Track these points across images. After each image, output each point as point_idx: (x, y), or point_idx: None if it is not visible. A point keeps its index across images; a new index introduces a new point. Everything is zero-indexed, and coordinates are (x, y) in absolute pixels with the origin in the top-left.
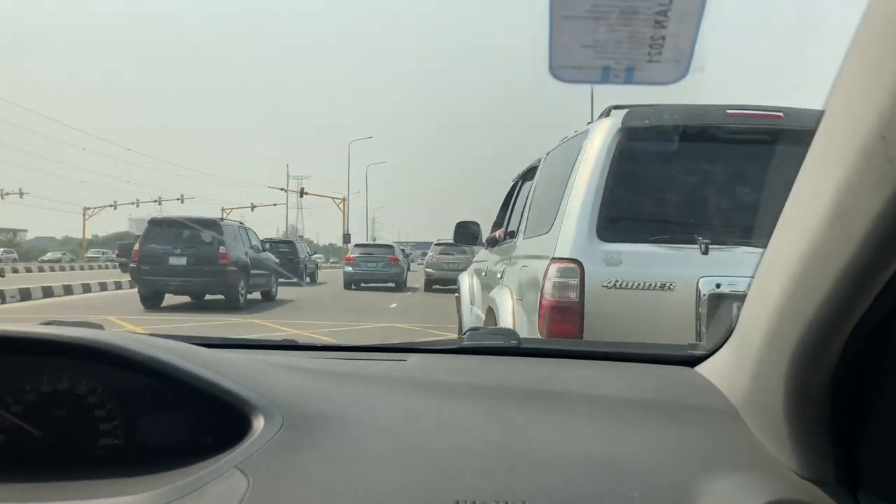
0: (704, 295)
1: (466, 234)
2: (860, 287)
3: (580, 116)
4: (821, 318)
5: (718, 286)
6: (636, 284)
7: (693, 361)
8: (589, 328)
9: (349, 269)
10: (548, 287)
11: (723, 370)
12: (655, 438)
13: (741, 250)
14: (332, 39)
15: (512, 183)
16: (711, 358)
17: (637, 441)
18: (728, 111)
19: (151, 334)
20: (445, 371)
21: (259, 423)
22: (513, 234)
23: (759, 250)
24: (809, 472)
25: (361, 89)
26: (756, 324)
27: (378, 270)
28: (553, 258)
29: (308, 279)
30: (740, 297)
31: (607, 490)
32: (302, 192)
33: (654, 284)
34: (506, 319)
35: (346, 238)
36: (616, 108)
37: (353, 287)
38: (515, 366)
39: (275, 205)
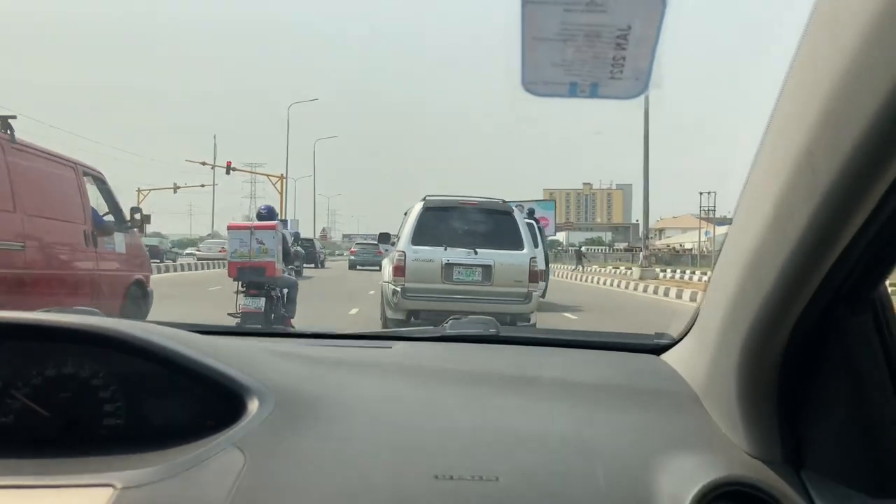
0: (443, 263)
1: (386, 238)
2: (799, 282)
3: (546, 127)
4: (767, 309)
5: (449, 260)
6: (422, 259)
7: (659, 350)
8: (407, 273)
9: (352, 257)
10: (395, 260)
11: (685, 358)
12: (621, 421)
13: (465, 251)
14: (310, 51)
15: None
16: (676, 347)
17: (605, 423)
18: (460, 200)
19: (151, 321)
20: (429, 358)
21: (254, 404)
22: (395, 242)
23: (476, 250)
24: (759, 452)
25: (331, 97)
26: (713, 315)
27: (369, 259)
28: (398, 250)
29: (322, 265)
30: (462, 265)
31: (575, 467)
32: (228, 168)
33: (428, 258)
34: (386, 272)
35: (284, 225)
36: (426, 197)
37: (356, 268)
38: (494, 353)
39: (202, 185)
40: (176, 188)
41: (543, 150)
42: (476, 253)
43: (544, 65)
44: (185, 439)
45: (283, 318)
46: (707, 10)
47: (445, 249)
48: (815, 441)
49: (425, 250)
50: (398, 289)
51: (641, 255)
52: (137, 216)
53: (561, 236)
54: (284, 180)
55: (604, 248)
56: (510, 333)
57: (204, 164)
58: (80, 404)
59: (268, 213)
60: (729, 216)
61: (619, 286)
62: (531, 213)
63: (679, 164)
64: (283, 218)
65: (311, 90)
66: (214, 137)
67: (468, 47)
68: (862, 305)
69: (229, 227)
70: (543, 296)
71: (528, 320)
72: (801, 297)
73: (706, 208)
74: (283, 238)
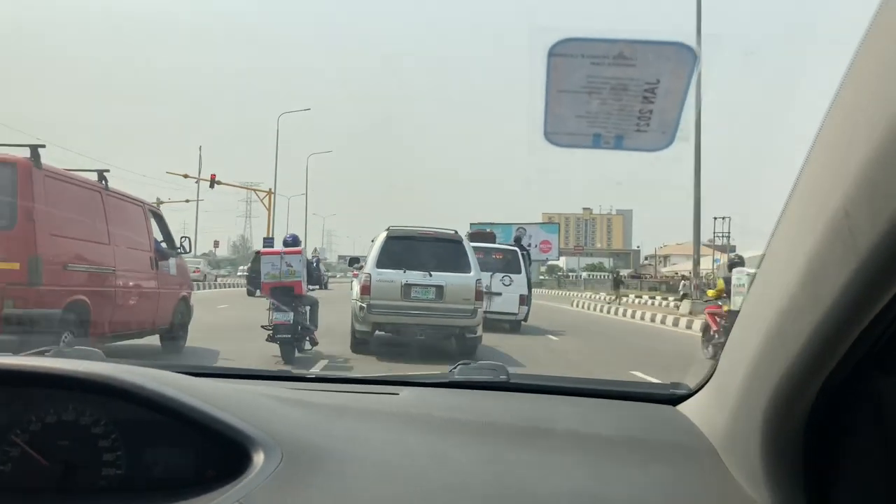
0: (402, 283)
1: (355, 261)
2: (830, 344)
3: (565, 177)
4: (795, 369)
5: (407, 281)
6: (385, 280)
7: (675, 400)
8: (372, 292)
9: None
10: (362, 280)
11: (704, 410)
12: (638, 476)
13: (422, 273)
14: (333, 102)
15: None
16: (693, 398)
17: (621, 479)
18: (419, 230)
19: (152, 365)
20: (437, 406)
21: (259, 457)
22: (362, 266)
23: (431, 273)
24: None
25: (345, 129)
26: (736, 369)
27: None
28: (365, 272)
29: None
30: (419, 285)
31: None
32: (213, 181)
33: (390, 280)
34: (355, 290)
35: (268, 242)
36: (389, 227)
37: None
38: (505, 401)
39: (187, 201)
40: (159, 203)
41: (543, 174)
42: (431, 275)
43: (568, 116)
44: (187, 492)
45: (309, 329)
46: (737, 63)
47: (405, 272)
48: (842, 502)
49: (388, 272)
50: (364, 305)
51: (688, 284)
52: (186, 243)
53: (561, 261)
54: (273, 196)
55: (606, 274)
56: (521, 381)
57: (186, 176)
58: (80, 453)
59: (293, 241)
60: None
61: (677, 325)
62: (518, 241)
63: (683, 190)
64: (270, 236)
65: (328, 124)
66: (200, 149)
67: (490, 90)
68: (894, 366)
69: (262, 253)
70: (526, 319)
71: (475, 332)
72: (832, 358)
73: (721, 234)
74: (308, 262)
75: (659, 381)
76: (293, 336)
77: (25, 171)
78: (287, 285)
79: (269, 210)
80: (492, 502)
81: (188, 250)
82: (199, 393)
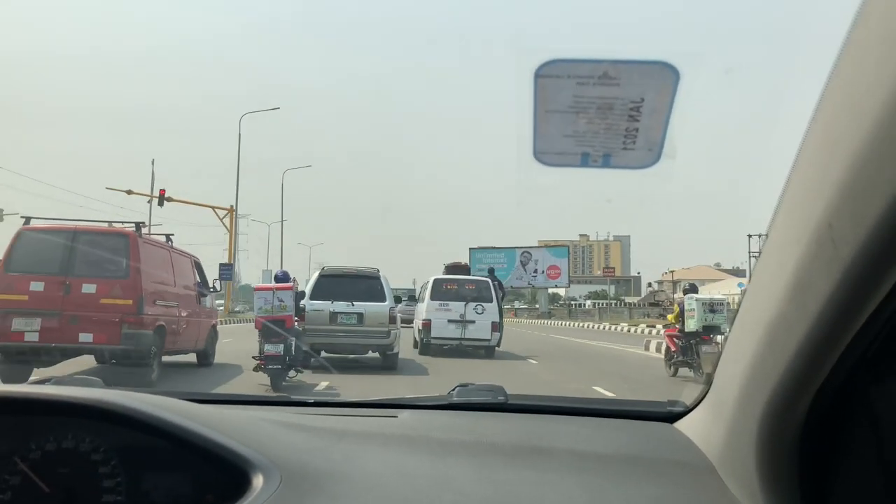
0: (330, 311)
1: (302, 296)
2: (821, 353)
3: (558, 203)
4: (787, 380)
5: (334, 310)
6: (317, 309)
7: (672, 418)
8: (307, 319)
9: None
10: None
11: (700, 427)
12: (636, 494)
13: (346, 303)
14: (328, 118)
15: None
16: (689, 415)
17: (620, 498)
18: (345, 269)
19: (150, 391)
20: (436, 428)
21: (258, 481)
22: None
23: (353, 303)
24: None
25: (333, 154)
26: (730, 384)
27: None
28: (302, 304)
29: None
30: (343, 312)
31: None
32: (162, 197)
33: (320, 308)
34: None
35: (225, 272)
36: (322, 267)
37: None
38: (504, 422)
39: (142, 224)
40: (111, 224)
41: (537, 201)
42: (353, 304)
43: (556, 136)
44: None
45: (297, 360)
46: (719, 80)
47: (332, 302)
48: None
49: (318, 303)
50: (302, 329)
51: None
52: (217, 284)
53: (559, 291)
54: (234, 214)
55: (612, 302)
56: (519, 402)
57: (130, 192)
58: (80, 480)
59: (283, 277)
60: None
61: None
62: (491, 272)
63: (689, 217)
64: (231, 262)
65: (318, 151)
66: (153, 163)
67: (479, 113)
68: (887, 373)
69: (256, 289)
70: (498, 345)
71: (393, 350)
72: (823, 368)
73: (755, 254)
74: (296, 295)
75: (656, 400)
76: (283, 367)
77: (134, 239)
78: (279, 319)
79: (230, 231)
80: None
81: (218, 290)
82: (198, 418)
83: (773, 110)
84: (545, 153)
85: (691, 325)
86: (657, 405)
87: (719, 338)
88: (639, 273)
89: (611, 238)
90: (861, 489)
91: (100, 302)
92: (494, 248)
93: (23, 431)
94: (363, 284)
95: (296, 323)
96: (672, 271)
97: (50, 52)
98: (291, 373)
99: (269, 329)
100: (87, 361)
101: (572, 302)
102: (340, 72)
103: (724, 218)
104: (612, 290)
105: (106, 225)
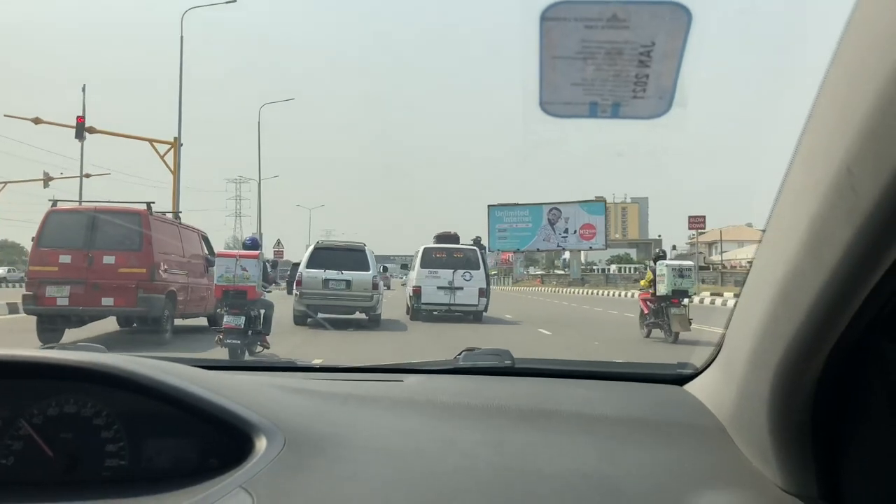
0: (322, 278)
1: (296, 266)
2: (836, 309)
3: (562, 148)
4: (801, 338)
5: (326, 277)
6: (311, 276)
7: (682, 380)
8: (303, 284)
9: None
10: (297, 277)
11: (710, 389)
12: (647, 457)
13: (337, 271)
14: (319, 73)
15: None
16: (700, 377)
17: (629, 459)
18: (336, 243)
19: (154, 356)
20: (442, 392)
21: (262, 443)
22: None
23: (342, 271)
24: (793, 487)
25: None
26: (741, 344)
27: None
28: (299, 272)
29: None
30: (333, 279)
31: None
32: (81, 127)
33: (314, 276)
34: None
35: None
36: (318, 241)
37: None
38: (510, 385)
39: (88, 175)
40: (49, 180)
41: (550, 162)
42: (342, 273)
43: (563, 84)
44: (191, 480)
45: (260, 333)
46: (734, 22)
47: (325, 271)
48: (854, 475)
49: (314, 271)
50: (298, 293)
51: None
52: None
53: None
54: (177, 147)
55: (634, 266)
56: (525, 365)
57: (38, 121)
58: (83, 444)
59: (252, 244)
60: None
61: None
62: (477, 241)
63: (710, 174)
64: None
65: (315, 108)
66: (84, 89)
67: (483, 64)
68: None
69: (218, 255)
70: (486, 310)
71: (376, 311)
72: (838, 325)
73: None
74: (264, 265)
75: (665, 363)
76: (242, 341)
77: (145, 216)
78: (240, 289)
79: (174, 173)
80: (498, 484)
81: None
82: (201, 382)
83: (797, 51)
84: (552, 103)
85: (661, 289)
86: (667, 367)
87: (686, 300)
88: (659, 236)
89: (628, 200)
90: (874, 450)
91: (118, 271)
92: (517, 204)
93: (25, 396)
94: (351, 256)
95: (265, 293)
96: (702, 232)
97: None
98: (258, 349)
99: (230, 299)
100: (112, 325)
101: (594, 267)
102: (333, 22)
103: (745, 174)
104: (634, 254)
105: (121, 205)
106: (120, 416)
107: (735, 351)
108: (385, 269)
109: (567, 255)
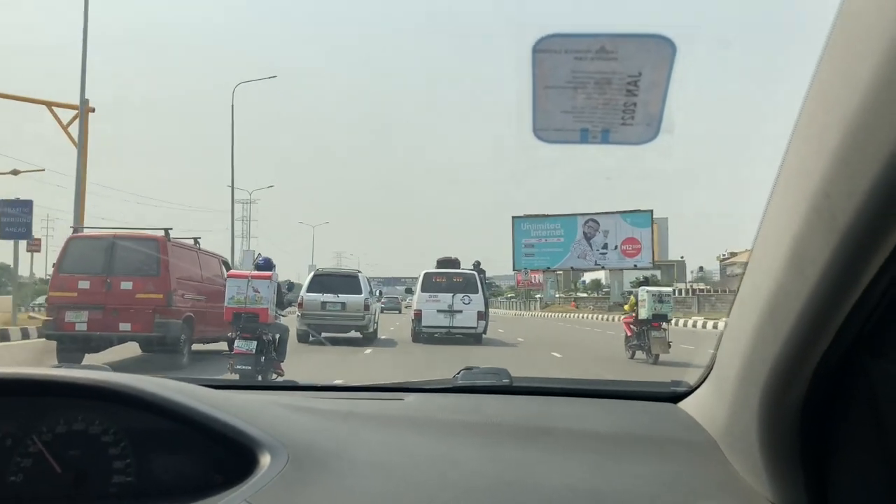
0: (320, 301)
1: (298, 288)
2: (819, 326)
3: (559, 170)
4: (787, 355)
5: (324, 300)
6: (311, 300)
7: (676, 398)
8: (304, 307)
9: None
10: (298, 300)
11: (703, 406)
12: (642, 472)
13: (334, 295)
14: (320, 98)
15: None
16: (693, 394)
17: (624, 475)
18: (333, 270)
19: (160, 376)
20: (441, 409)
21: (266, 459)
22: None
23: (338, 294)
24: (784, 501)
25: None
26: (731, 362)
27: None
28: (300, 296)
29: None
30: (330, 302)
31: None
32: None
33: (314, 299)
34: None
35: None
36: (317, 268)
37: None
38: (508, 403)
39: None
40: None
41: (542, 179)
42: (338, 296)
43: (554, 112)
44: (196, 496)
45: (273, 360)
46: (716, 56)
47: (323, 294)
48: (842, 488)
49: (313, 295)
50: (299, 314)
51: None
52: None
53: (600, 276)
54: (86, 113)
55: (680, 289)
56: (523, 383)
57: None
58: (90, 461)
59: (265, 264)
60: None
61: None
62: (476, 266)
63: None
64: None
65: (322, 126)
66: None
67: (477, 92)
68: (884, 349)
69: (229, 276)
70: (485, 332)
71: (368, 329)
72: (822, 341)
73: None
74: (278, 286)
75: (660, 381)
76: (254, 368)
77: (163, 243)
78: (251, 312)
79: (82, 152)
80: (496, 500)
81: None
82: (206, 400)
83: (775, 83)
84: (544, 129)
85: (643, 313)
86: (661, 385)
87: (665, 324)
88: (682, 257)
89: None
90: (860, 463)
91: (136, 296)
92: (547, 216)
93: (34, 414)
94: (346, 282)
95: (279, 317)
96: (733, 253)
97: None
98: (271, 375)
99: (241, 323)
100: (132, 350)
101: (631, 292)
102: (332, 48)
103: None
104: (659, 276)
105: (140, 231)
106: (127, 434)
107: (726, 369)
108: (380, 293)
109: (586, 275)
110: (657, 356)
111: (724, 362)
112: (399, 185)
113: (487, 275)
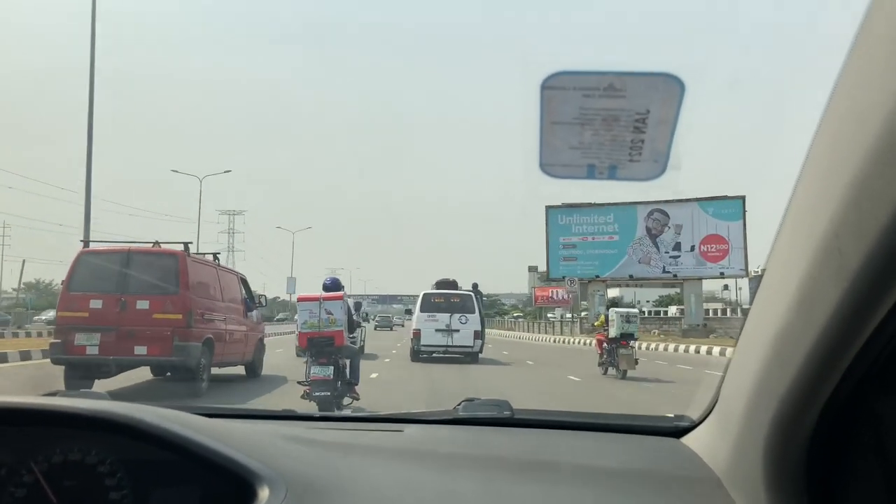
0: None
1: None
2: (827, 366)
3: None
4: (794, 394)
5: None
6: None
7: (679, 433)
8: (420, 336)
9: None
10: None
11: (707, 442)
12: None
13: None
14: (329, 128)
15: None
16: (696, 430)
17: None
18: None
19: (157, 404)
20: (442, 442)
21: (265, 492)
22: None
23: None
24: None
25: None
26: (736, 398)
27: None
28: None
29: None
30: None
31: None
32: None
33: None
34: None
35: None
36: (300, 295)
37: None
38: (509, 436)
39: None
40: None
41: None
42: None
43: (562, 148)
44: None
45: (350, 385)
46: (724, 92)
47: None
48: None
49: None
50: (297, 333)
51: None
52: (262, 300)
53: (619, 292)
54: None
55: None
56: (525, 416)
57: None
58: (86, 492)
59: (332, 284)
60: None
61: None
62: (474, 287)
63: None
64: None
65: (329, 159)
66: None
67: (484, 124)
68: (894, 386)
69: (299, 299)
70: (481, 351)
71: (356, 343)
72: (830, 380)
73: None
74: (348, 308)
75: (663, 415)
76: (333, 393)
77: (182, 258)
78: (327, 336)
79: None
80: None
81: (265, 304)
82: (204, 430)
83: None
84: (551, 165)
85: (612, 332)
86: (663, 420)
87: (633, 342)
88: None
89: None
90: (867, 501)
91: (152, 317)
92: (593, 205)
93: (30, 443)
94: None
95: (352, 339)
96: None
97: None
98: (346, 400)
99: (317, 348)
100: (145, 374)
101: (631, 308)
102: (341, 82)
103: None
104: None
105: (157, 246)
106: (123, 464)
107: (730, 405)
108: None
109: (574, 293)
110: (625, 372)
111: (728, 398)
112: (400, 205)
113: (493, 293)
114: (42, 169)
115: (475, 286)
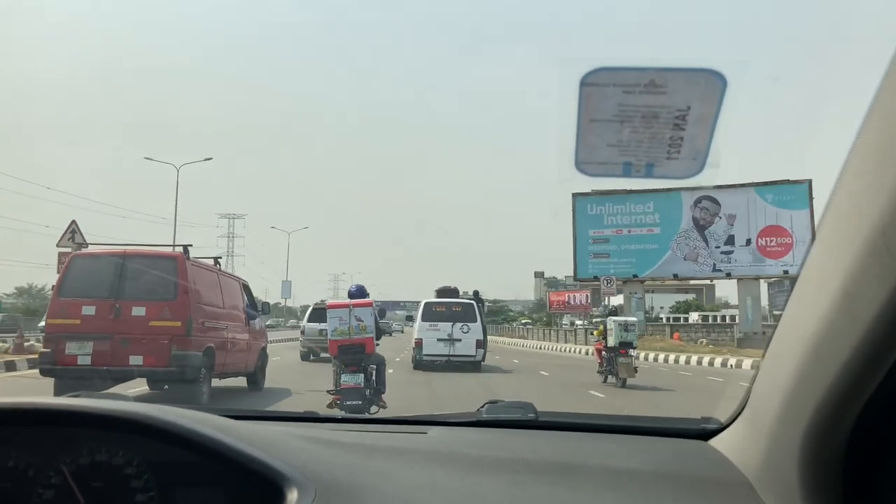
0: (319, 329)
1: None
2: (871, 366)
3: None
4: (833, 394)
5: (322, 328)
6: (312, 327)
7: (707, 435)
8: (305, 333)
9: None
10: (415, 336)
11: (736, 444)
12: None
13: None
14: (354, 129)
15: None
16: (725, 432)
17: None
18: (330, 302)
19: (183, 406)
20: (466, 444)
21: (293, 495)
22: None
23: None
24: None
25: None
26: (768, 399)
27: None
28: (302, 325)
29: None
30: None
31: None
32: None
33: (313, 327)
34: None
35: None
36: (314, 303)
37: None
38: (534, 439)
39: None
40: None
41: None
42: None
43: (599, 145)
44: None
45: (379, 392)
46: (768, 85)
47: (320, 324)
48: None
49: (312, 324)
50: (303, 339)
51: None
52: (265, 307)
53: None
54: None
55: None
56: (549, 418)
57: None
58: (113, 493)
59: (358, 292)
60: None
61: None
62: (475, 295)
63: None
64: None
65: (339, 155)
66: None
67: (521, 125)
68: None
69: (329, 306)
70: (483, 360)
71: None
72: (872, 381)
73: None
74: (375, 315)
75: (689, 417)
76: (364, 402)
77: (182, 262)
78: (357, 343)
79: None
80: None
81: (267, 312)
82: (233, 433)
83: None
84: (587, 163)
85: (611, 341)
86: (690, 422)
87: (632, 351)
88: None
89: None
90: None
91: (149, 324)
92: (630, 191)
93: (57, 444)
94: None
95: (377, 346)
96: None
97: None
98: (373, 408)
99: (347, 355)
100: (140, 385)
101: (659, 315)
102: (371, 82)
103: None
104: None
105: (154, 248)
106: (150, 466)
107: (762, 406)
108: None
109: (613, 296)
110: (625, 380)
111: (760, 399)
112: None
113: (498, 299)
114: (27, 168)
115: (476, 293)
